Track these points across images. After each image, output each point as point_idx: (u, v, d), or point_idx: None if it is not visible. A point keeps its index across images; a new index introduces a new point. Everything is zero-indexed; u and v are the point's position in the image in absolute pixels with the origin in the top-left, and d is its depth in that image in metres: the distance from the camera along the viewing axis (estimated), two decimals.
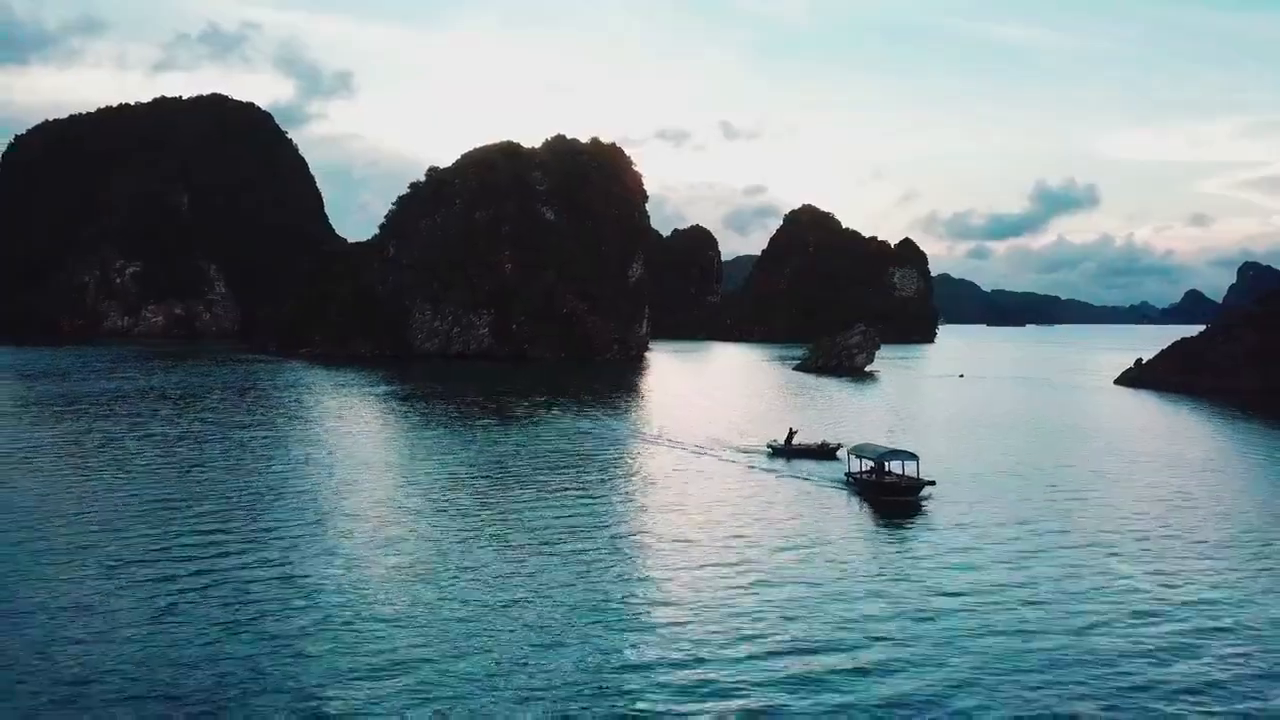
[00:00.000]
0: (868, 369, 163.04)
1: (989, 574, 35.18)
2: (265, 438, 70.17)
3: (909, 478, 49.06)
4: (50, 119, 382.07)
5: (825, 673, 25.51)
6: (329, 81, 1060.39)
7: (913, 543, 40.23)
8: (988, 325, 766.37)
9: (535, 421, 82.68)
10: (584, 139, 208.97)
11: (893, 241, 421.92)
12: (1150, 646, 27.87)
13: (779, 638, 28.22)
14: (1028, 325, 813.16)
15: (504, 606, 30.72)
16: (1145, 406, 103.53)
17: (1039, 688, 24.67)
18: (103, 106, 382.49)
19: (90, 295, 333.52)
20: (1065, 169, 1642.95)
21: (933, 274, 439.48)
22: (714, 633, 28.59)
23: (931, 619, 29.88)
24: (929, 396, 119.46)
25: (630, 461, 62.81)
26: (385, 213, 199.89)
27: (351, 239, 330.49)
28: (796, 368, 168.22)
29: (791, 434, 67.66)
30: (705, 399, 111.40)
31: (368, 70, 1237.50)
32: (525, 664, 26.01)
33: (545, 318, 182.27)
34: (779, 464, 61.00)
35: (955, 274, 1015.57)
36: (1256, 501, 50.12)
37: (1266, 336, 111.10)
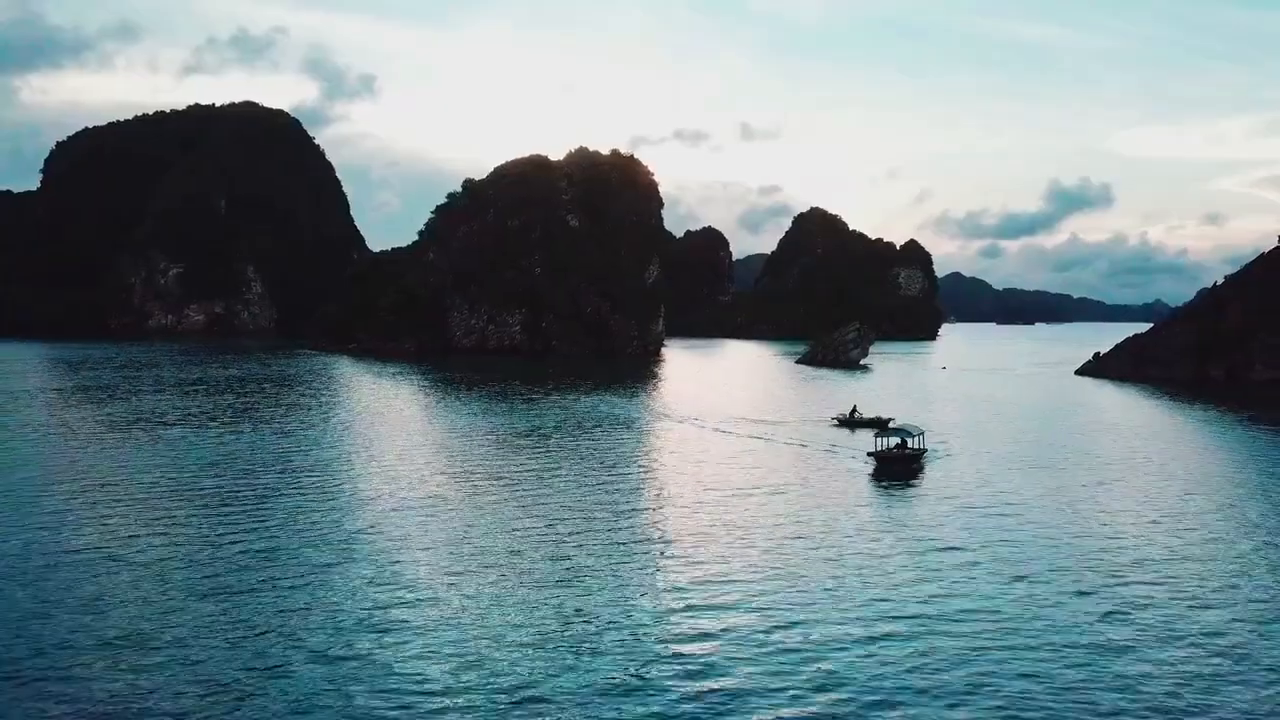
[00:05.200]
0: (862, 362, 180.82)
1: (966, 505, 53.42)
2: (360, 409, 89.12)
3: (914, 449, 63.27)
4: (89, 126, 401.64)
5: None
6: (352, 84, 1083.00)
7: (917, 490, 58.54)
8: (998, 324, 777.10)
9: (571, 402, 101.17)
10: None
11: (906, 240, 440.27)
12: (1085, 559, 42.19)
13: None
14: (1037, 324, 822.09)
15: (550, 562, 36.63)
16: (1089, 390, 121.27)
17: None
18: (139, 114, 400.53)
19: (137, 295, 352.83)
20: (1080, 168, 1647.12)
21: (945, 273, 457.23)
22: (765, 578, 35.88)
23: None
24: (909, 384, 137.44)
25: (659, 435, 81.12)
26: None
27: (372, 238, 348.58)
28: (798, 361, 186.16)
29: (855, 409, 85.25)
30: (720, 386, 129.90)
31: (390, 73, 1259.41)
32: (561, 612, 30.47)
33: (571, 316, 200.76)
34: (795, 437, 78.02)
35: (967, 272, 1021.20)
36: (1165, 459, 68.10)
37: (1200, 333, 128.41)
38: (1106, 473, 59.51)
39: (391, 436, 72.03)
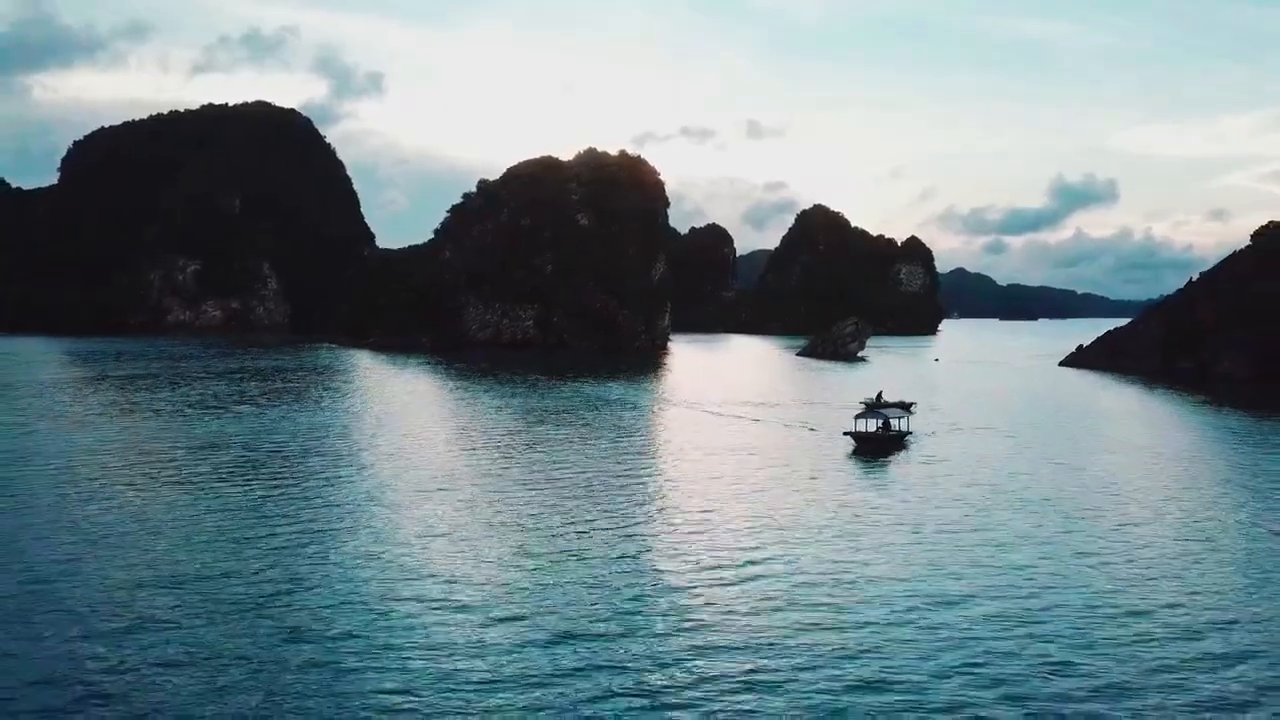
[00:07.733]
0: (860, 355, 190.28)
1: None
2: (400, 392, 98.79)
3: (898, 430, 70.21)
4: (105, 125, 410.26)
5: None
6: (360, 82, 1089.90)
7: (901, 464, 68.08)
8: (1001, 319, 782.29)
9: (587, 389, 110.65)
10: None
11: (909, 237, 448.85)
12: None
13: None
14: (1040, 319, 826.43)
15: (552, 538, 40.65)
16: (1065, 378, 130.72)
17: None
18: (153, 113, 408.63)
19: (155, 292, 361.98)
20: (1084, 164, 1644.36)
21: (949, 268, 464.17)
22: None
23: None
24: (903, 374, 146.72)
25: (669, 416, 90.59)
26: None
27: (380, 234, 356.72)
28: (799, 354, 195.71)
29: (880, 395, 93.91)
30: (725, 377, 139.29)
31: (394, 71, 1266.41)
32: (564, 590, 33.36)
33: (581, 312, 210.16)
34: (793, 420, 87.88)
35: (971, 268, 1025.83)
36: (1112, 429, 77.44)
37: (1171, 329, 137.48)
38: (1053, 439, 69.06)
39: (435, 412, 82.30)
